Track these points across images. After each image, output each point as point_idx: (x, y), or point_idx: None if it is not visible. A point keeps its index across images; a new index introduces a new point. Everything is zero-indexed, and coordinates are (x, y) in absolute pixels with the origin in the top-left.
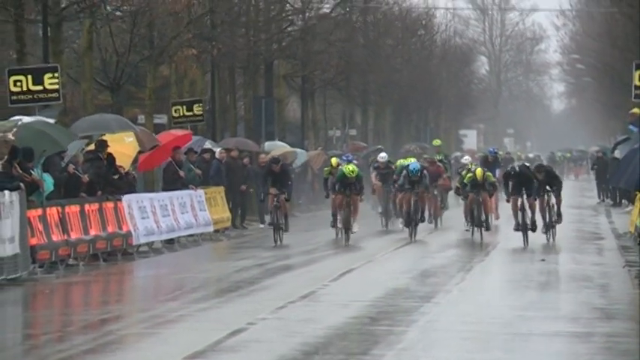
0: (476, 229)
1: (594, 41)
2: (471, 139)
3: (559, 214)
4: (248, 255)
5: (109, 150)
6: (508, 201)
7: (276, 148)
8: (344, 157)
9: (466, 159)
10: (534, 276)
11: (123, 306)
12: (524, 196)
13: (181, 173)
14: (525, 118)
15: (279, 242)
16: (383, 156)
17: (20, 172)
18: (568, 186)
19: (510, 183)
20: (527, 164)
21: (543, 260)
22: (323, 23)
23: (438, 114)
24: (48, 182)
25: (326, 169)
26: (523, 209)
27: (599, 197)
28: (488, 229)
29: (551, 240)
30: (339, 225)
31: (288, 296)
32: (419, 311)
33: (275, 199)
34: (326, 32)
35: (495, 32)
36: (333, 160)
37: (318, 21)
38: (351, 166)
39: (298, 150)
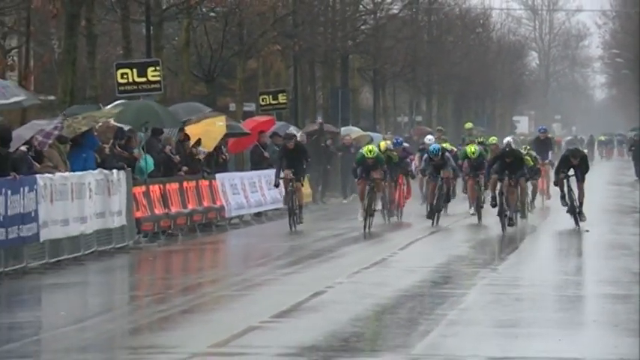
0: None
1: (632, 38)
2: (523, 124)
3: (581, 210)
4: (326, 227)
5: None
6: (487, 183)
7: (352, 132)
8: (395, 140)
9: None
10: (579, 245)
11: (217, 271)
12: (506, 180)
13: (266, 154)
14: (571, 106)
15: (294, 229)
16: (430, 138)
17: (119, 150)
18: (607, 165)
19: (496, 164)
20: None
21: (587, 231)
22: (392, 22)
23: (493, 102)
24: (149, 162)
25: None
26: (502, 193)
27: (637, 175)
28: (524, 216)
29: (575, 225)
30: (360, 216)
31: (362, 263)
32: (477, 276)
33: (290, 183)
34: (395, 30)
35: (544, 30)
36: (382, 144)
37: (388, 20)
38: (370, 146)
39: (372, 134)
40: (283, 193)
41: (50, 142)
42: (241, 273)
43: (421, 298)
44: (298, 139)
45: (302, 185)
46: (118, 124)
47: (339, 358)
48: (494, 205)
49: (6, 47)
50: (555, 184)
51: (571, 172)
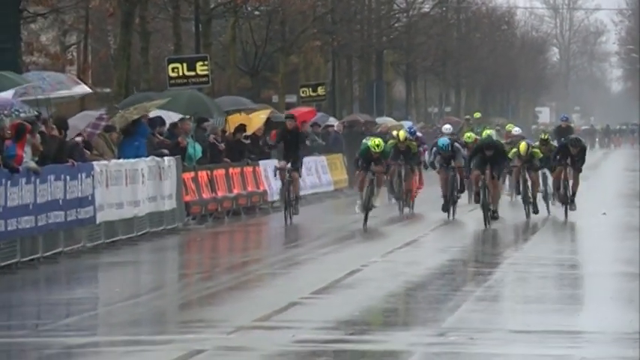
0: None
1: None
2: (544, 114)
3: (573, 199)
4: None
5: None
6: (467, 177)
7: (386, 122)
8: (408, 129)
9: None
10: (597, 227)
11: (260, 251)
12: (487, 173)
13: (307, 143)
14: (589, 98)
15: (289, 222)
16: (447, 127)
17: (161, 138)
18: (622, 153)
19: (477, 157)
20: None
21: (604, 214)
22: (424, 20)
23: (517, 94)
24: (197, 150)
25: (391, 141)
26: (485, 187)
27: None
28: (536, 211)
29: (550, 221)
30: (358, 209)
31: (395, 243)
32: (502, 255)
33: (288, 174)
34: (426, 27)
35: (565, 27)
36: (401, 134)
37: (420, 18)
38: (377, 140)
39: (405, 123)
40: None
41: (98, 132)
42: (282, 252)
43: (450, 276)
44: (335, 128)
45: (299, 175)
46: (151, 114)
47: (374, 331)
48: (477, 201)
49: (66, 43)
50: (552, 170)
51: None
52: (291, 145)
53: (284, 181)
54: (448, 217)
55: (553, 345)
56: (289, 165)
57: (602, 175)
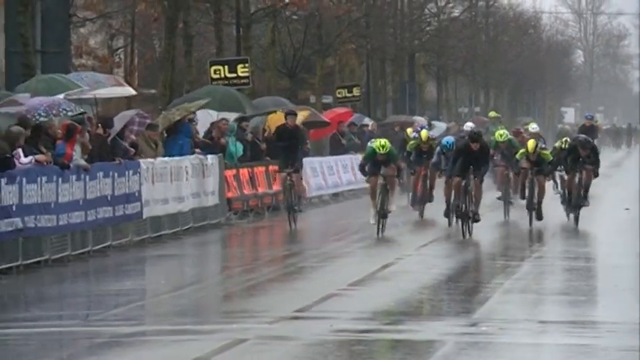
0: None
1: None
2: (570, 114)
3: (586, 196)
4: (397, 205)
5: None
6: (448, 180)
7: (418, 121)
8: (418, 127)
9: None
10: (619, 223)
11: (299, 244)
12: (470, 178)
13: (343, 141)
14: (613, 98)
15: (293, 226)
16: (469, 125)
17: (201, 139)
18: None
19: (459, 160)
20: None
21: (627, 209)
22: (454, 24)
23: (544, 95)
24: (238, 148)
25: (412, 142)
26: (466, 192)
27: None
28: (539, 217)
29: (572, 222)
30: (372, 219)
31: (429, 237)
32: (530, 249)
33: (288, 177)
34: (456, 31)
35: (589, 31)
36: (423, 133)
37: (450, 22)
38: (382, 141)
39: (436, 122)
40: (356, 179)
41: (142, 129)
42: (321, 246)
43: (480, 269)
44: (369, 128)
45: (301, 178)
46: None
47: (408, 322)
48: (458, 215)
49: (113, 47)
50: (567, 172)
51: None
52: (291, 144)
53: (285, 185)
54: (464, 236)
55: (577, 335)
56: (289, 169)
57: (624, 172)
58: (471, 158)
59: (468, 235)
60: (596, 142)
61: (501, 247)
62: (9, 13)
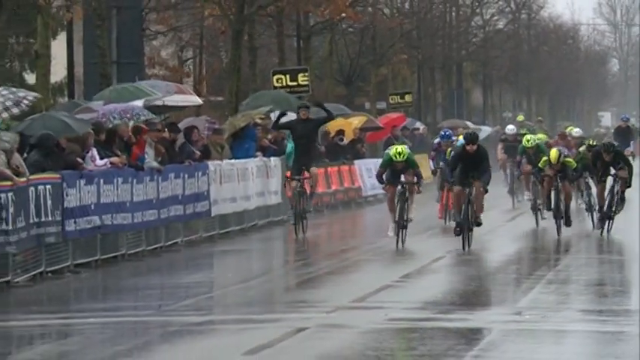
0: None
1: None
2: (606, 118)
3: (622, 199)
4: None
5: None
6: (450, 190)
7: (463, 125)
8: (442, 133)
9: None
10: None
11: (355, 240)
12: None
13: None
14: None
15: (300, 234)
16: (511, 128)
17: (268, 144)
18: None
19: (458, 167)
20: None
21: None
22: (498, 36)
23: (582, 100)
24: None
25: (449, 150)
26: (468, 202)
27: None
28: (568, 224)
29: (605, 233)
30: (391, 231)
31: (475, 232)
32: (569, 244)
33: (298, 184)
34: (500, 42)
35: (624, 41)
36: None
37: (495, 34)
38: (400, 147)
39: (482, 127)
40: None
41: (210, 134)
42: (375, 241)
43: (523, 262)
44: (420, 131)
45: (310, 176)
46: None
47: (457, 311)
48: (458, 233)
49: (183, 58)
50: (599, 181)
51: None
52: (303, 142)
53: (294, 191)
54: (464, 247)
55: (613, 322)
56: (302, 175)
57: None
58: (469, 163)
59: (467, 248)
60: (632, 144)
61: (544, 241)
62: (87, 27)
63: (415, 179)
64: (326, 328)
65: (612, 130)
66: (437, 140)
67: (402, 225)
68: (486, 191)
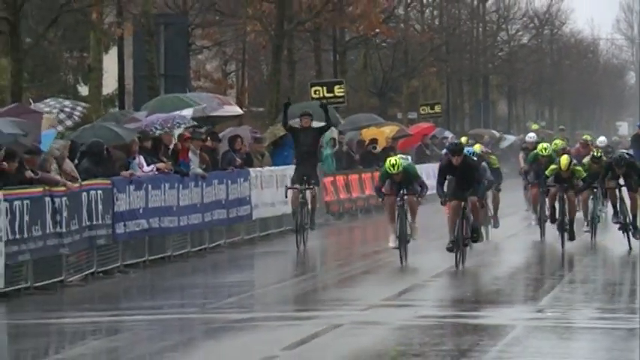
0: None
1: None
2: (623, 127)
3: (635, 225)
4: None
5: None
6: (444, 203)
7: (489, 134)
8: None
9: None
10: None
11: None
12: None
13: (427, 152)
14: None
15: (302, 246)
16: (531, 136)
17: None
18: None
19: (452, 180)
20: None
21: None
22: (522, 50)
23: (601, 111)
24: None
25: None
26: (463, 216)
27: None
28: (572, 238)
29: (630, 244)
30: (392, 242)
31: (499, 235)
32: (588, 245)
33: (300, 195)
34: (524, 56)
35: None
36: (477, 147)
37: (519, 48)
38: (394, 159)
39: (507, 135)
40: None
41: (251, 142)
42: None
43: (545, 262)
44: (449, 140)
45: (315, 193)
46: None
47: (483, 308)
48: (450, 249)
49: (227, 71)
50: (604, 195)
51: (621, 181)
52: (304, 150)
53: (296, 204)
54: (457, 265)
55: (629, 320)
56: (303, 185)
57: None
58: (459, 176)
59: (461, 266)
60: None
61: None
62: (137, 42)
63: (418, 191)
64: (360, 325)
65: (629, 138)
66: (444, 151)
67: (404, 239)
68: (483, 205)
